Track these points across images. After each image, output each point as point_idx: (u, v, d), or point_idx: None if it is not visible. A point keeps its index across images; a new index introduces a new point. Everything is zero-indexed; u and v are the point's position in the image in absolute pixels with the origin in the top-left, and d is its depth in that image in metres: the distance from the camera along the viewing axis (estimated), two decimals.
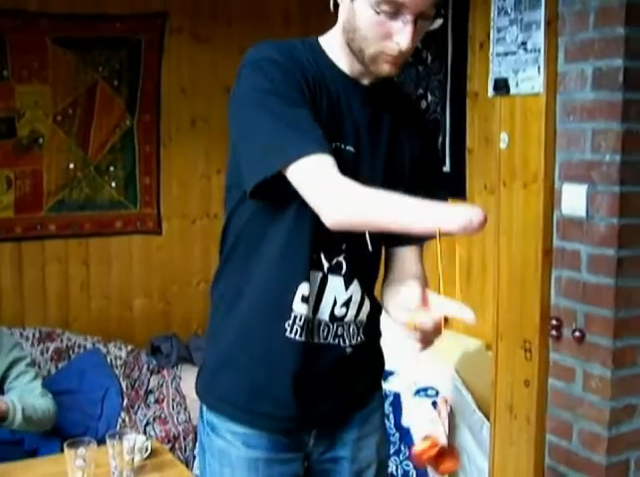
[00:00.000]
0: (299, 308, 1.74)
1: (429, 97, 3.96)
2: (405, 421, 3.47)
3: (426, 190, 1.76)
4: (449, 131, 3.87)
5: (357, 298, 1.83)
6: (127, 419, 3.95)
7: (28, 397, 3.25)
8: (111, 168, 4.64)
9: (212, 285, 1.91)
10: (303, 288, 1.73)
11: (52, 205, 4.51)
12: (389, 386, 3.64)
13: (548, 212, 2.86)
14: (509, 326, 3.05)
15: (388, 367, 3.67)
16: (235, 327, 1.82)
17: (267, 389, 1.80)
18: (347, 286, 1.80)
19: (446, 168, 3.90)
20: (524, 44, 2.83)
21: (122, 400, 4.04)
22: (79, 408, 3.86)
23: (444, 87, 3.86)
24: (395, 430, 3.49)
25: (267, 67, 1.64)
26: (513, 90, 2.91)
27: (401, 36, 1.60)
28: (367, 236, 1.78)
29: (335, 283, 1.78)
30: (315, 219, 1.60)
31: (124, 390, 4.10)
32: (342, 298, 1.80)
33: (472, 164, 3.79)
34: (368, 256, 1.82)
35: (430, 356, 3.68)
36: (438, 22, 1.66)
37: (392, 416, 3.52)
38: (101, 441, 2.76)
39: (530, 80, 2.83)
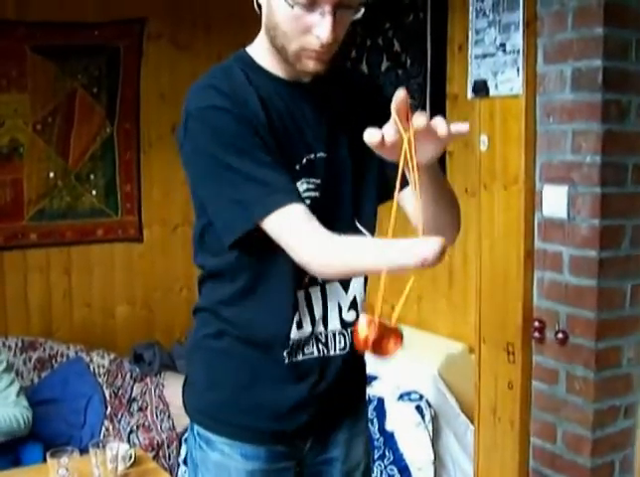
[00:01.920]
0: (297, 335, 1.73)
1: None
2: (389, 426, 3.46)
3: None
4: None
5: (361, 298, 1.82)
6: (111, 428, 3.93)
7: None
8: (92, 176, 4.62)
9: (195, 307, 1.88)
10: (296, 317, 1.72)
11: (33, 214, 4.49)
12: (372, 390, 3.63)
13: (529, 213, 2.86)
14: (492, 329, 3.05)
15: (371, 371, 3.70)
16: (226, 355, 1.79)
17: (267, 408, 1.78)
18: (346, 289, 1.79)
19: None
20: (502, 45, 2.83)
21: (106, 409, 4.02)
22: (62, 418, 3.84)
23: (424, 90, 3.86)
24: (379, 435, 3.48)
25: (214, 118, 1.59)
26: (492, 92, 2.91)
27: (320, 28, 1.54)
28: (360, 227, 1.77)
29: (333, 290, 1.77)
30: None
31: (107, 398, 4.08)
32: (346, 303, 1.79)
33: (452, 167, 3.79)
34: None
35: (414, 360, 3.70)
36: (362, 11, 1.58)
37: (375, 421, 3.51)
38: (85, 450, 2.75)
39: (509, 82, 2.83)
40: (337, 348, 1.79)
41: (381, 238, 1.45)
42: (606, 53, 2.58)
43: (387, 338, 1.44)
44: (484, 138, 2.98)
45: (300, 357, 1.75)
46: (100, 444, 2.69)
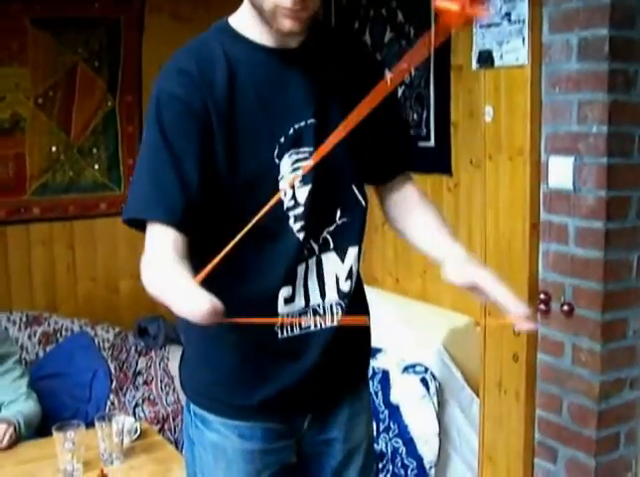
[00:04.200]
0: (285, 310, 1.71)
1: (413, 72, 3.93)
2: (394, 398, 3.46)
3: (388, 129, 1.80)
4: (433, 105, 3.84)
5: (356, 268, 1.81)
6: (116, 401, 3.94)
7: (16, 401, 3.23)
8: (94, 150, 4.61)
9: None
10: (284, 292, 1.70)
11: (35, 188, 4.48)
12: (377, 363, 3.63)
13: (534, 185, 2.84)
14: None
15: (376, 344, 3.69)
16: (219, 331, 1.78)
17: (261, 385, 1.76)
18: (343, 259, 1.77)
19: (431, 143, 3.88)
20: (508, 15, 2.79)
21: (111, 383, 4.02)
22: (67, 392, 3.85)
23: (428, 61, 3.83)
24: (383, 407, 3.48)
25: (164, 106, 1.59)
26: (497, 63, 2.88)
27: None
28: (356, 191, 1.77)
29: (331, 260, 1.75)
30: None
31: (113, 372, 4.08)
32: (343, 273, 1.77)
33: (457, 138, 3.76)
34: (353, 219, 1.78)
35: (418, 333, 3.69)
36: None
37: (380, 394, 3.52)
38: (91, 424, 2.76)
39: (514, 52, 2.80)
40: (334, 319, 1.77)
41: (181, 271, 1.45)
42: (613, 22, 2.54)
43: None
44: (489, 109, 2.95)
45: (296, 331, 1.73)
46: (106, 418, 2.70)
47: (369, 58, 1.90)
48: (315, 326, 1.75)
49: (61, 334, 4.25)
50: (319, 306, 1.75)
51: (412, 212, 1.87)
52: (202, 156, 1.58)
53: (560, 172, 2.74)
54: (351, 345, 1.85)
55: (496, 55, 2.87)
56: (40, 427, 3.20)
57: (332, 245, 1.75)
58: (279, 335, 1.72)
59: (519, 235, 2.90)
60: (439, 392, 3.42)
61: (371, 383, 3.58)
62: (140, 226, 1.61)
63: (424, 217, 1.85)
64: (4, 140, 4.35)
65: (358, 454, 1.94)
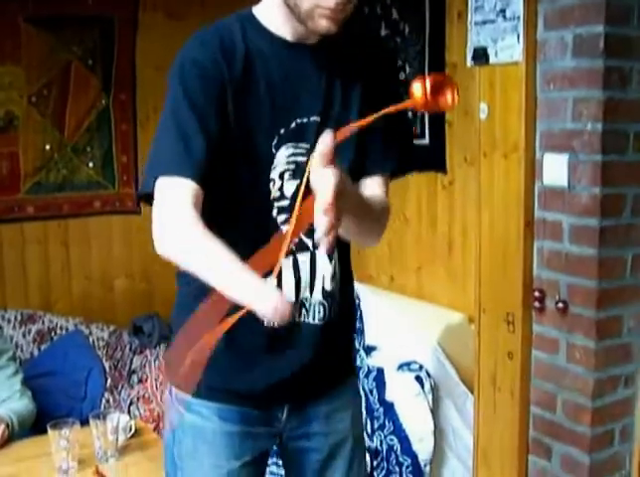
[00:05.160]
0: None
1: (407, 69, 3.92)
2: (389, 396, 3.46)
3: (390, 136, 1.78)
4: None
5: (339, 269, 1.81)
6: (111, 400, 3.94)
7: (10, 399, 3.22)
8: (88, 148, 4.61)
9: (177, 272, 1.87)
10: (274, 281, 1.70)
11: (29, 186, 4.49)
12: (372, 361, 3.64)
13: (529, 182, 2.84)
14: (491, 299, 3.04)
15: (370, 342, 3.71)
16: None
17: (242, 370, 1.77)
18: (330, 259, 1.78)
19: (426, 141, 3.87)
20: (503, 11, 2.79)
21: (106, 381, 4.02)
22: (62, 390, 3.85)
23: (422, 59, 3.82)
24: (378, 405, 3.48)
25: (187, 70, 1.63)
26: (492, 60, 2.88)
27: None
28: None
29: (322, 259, 1.76)
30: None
31: (107, 370, 4.08)
32: (328, 273, 1.78)
33: (452, 136, 3.76)
34: None
35: (413, 330, 3.70)
36: None
37: (375, 391, 3.52)
38: (86, 422, 2.75)
39: (509, 49, 2.80)
40: (317, 317, 1.78)
41: (239, 262, 1.41)
42: (608, 18, 2.54)
43: (442, 90, 1.40)
44: (484, 106, 2.95)
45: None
46: (101, 416, 2.70)
47: (386, 63, 1.89)
48: (300, 318, 1.76)
49: (55, 332, 4.25)
50: (306, 300, 1.77)
51: None
52: (220, 118, 1.61)
53: (555, 169, 2.74)
54: (334, 342, 1.85)
55: (491, 52, 2.87)
56: (35, 425, 3.20)
57: (310, 246, 1.75)
58: (265, 323, 1.70)
59: (513, 232, 2.90)
60: (434, 389, 3.42)
61: (365, 380, 3.58)
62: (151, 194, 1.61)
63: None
64: None
65: (343, 449, 1.93)
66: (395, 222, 4.03)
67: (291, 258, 1.73)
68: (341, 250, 1.82)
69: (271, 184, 1.68)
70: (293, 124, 1.67)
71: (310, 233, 1.72)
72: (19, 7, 4.27)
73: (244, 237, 1.66)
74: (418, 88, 1.39)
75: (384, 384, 3.51)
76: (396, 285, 4.24)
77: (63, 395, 3.83)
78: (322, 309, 1.79)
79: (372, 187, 1.82)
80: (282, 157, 1.68)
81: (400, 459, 3.34)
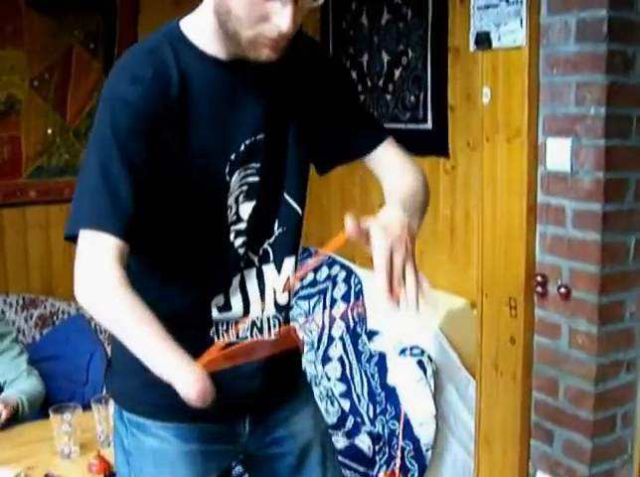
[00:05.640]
0: (220, 316, 1.70)
1: (410, 54, 3.91)
2: (391, 381, 3.46)
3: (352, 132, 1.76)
4: (430, 87, 3.83)
5: (293, 277, 1.78)
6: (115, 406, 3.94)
7: (18, 379, 3.23)
8: (90, 133, 4.58)
9: None
10: (216, 301, 1.69)
11: (31, 171, 4.48)
12: (374, 345, 3.64)
13: (531, 167, 2.83)
14: (494, 283, 3.04)
15: (373, 327, 3.70)
16: None
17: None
18: (279, 270, 1.75)
19: (428, 125, 3.86)
20: None
21: (107, 365, 4.02)
22: (64, 375, 3.85)
23: (425, 44, 3.81)
24: (380, 390, 3.49)
25: (117, 109, 1.50)
26: (495, 44, 2.86)
27: (281, 18, 1.43)
28: (291, 201, 1.73)
29: (269, 272, 1.73)
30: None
31: (109, 354, 4.08)
32: (279, 285, 1.75)
33: (454, 121, 3.75)
34: (288, 229, 1.75)
35: (415, 315, 3.68)
36: None
37: (377, 376, 3.52)
38: (87, 406, 2.76)
39: (512, 34, 2.78)
40: (272, 332, 1.76)
41: (162, 333, 1.39)
42: (611, 2, 2.52)
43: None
44: (487, 91, 2.94)
45: (233, 339, 1.69)
46: (103, 400, 2.70)
47: (328, 68, 1.83)
48: (253, 337, 1.73)
49: (57, 317, 4.26)
50: (257, 319, 1.73)
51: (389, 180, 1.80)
52: (155, 163, 1.52)
53: (558, 154, 2.73)
54: (285, 350, 1.83)
55: (494, 36, 2.85)
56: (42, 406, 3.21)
57: (272, 257, 1.72)
58: (215, 341, 1.69)
59: (516, 217, 2.90)
60: (436, 374, 3.42)
61: (367, 365, 3.59)
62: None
63: (396, 183, 1.75)
64: None
65: (314, 447, 1.92)
66: None
67: (239, 276, 1.70)
68: (296, 259, 1.80)
69: (229, 210, 1.64)
70: (242, 147, 1.61)
71: (256, 249, 1.71)
72: None
73: (203, 264, 1.67)
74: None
75: (386, 368, 3.51)
76: None
77: (65, 379, 3.84)
78: (277, 323, 1.77)
79: (389, 157, 1.80)
80: (236, 182, 1.63)
81: (402, 444, 3.34)
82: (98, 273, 1.45)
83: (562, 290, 2.77)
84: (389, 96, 4.09)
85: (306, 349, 3.97)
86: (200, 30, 1.59)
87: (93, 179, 1.50)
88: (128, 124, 1.50)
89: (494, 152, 2.95)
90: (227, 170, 1.61)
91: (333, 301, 4.00)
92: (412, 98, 3.94)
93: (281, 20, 1.44)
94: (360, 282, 3.91)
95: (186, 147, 1.56)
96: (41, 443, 2.73)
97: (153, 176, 1.52)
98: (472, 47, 2.99)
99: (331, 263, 4.15)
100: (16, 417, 3.04)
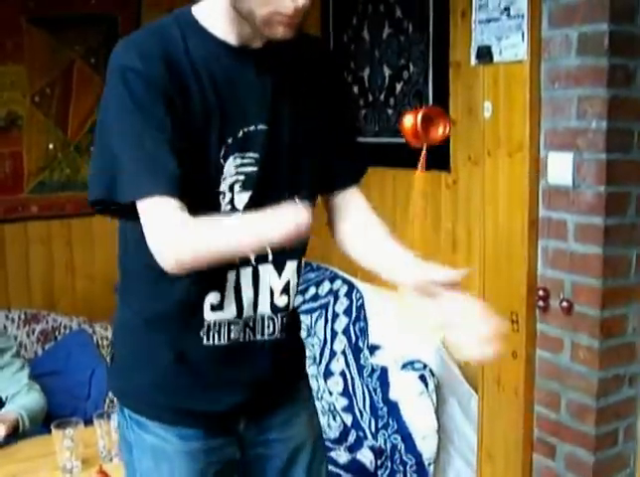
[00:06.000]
0: (213, 317, 1.69)
1: (411, 68, 3.92)
2: (393, 395, 3.46)
3: (340, 150, 1.77)
4: (432, 102, 3.83)
5: (295, 283, 1.78)
6: (115, 399, 3.93)
7: (19, 394, 3.23)
8: (92, 148, 4.58)
9: (117, 285, 1.87)
10: (211, 298, 1.68)
11: (33, 186, 4.48)
12: (375, 360, 3.63)
13: (533, 181, 2.83)
14: (495, 297, 3.03)
15: (374, 341, 3.70)
16: (147, 334, 1.75)
17: (192, 390, 1.74)
18: (280, 273, 1.74)
19: None
20: (507, 9, 2.78)
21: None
22: (66, 390, 3.84)
23: (426, 58, 3.82)
24: (382, 404, 3.48)
25: (131, 79, 1.52)
26: (496, 58, 2.87)
27: None
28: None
29: (266, 273, 1.72)
30: None
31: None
32: (278, 287, 1.74)
33: (456, 135, 3.75)
34: None
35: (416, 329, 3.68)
36: None
37: (379, 390, 3.51)
38: (89, 422, 2.76)
39: (513, 48, 2.79)
40: (265, 333, 1.75)
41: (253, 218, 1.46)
42: (613, 16, 2.53)
43: (434, 123, 1.42)
44: (488, 105, 2.94)
45: (224, 341, 1.70)
46: (105, 415, 2.70)
47: (330, 63, 1.84)
48: (245, 339, 1.73)
49: (59, 332, 4.25)
50: (249, 319, 1.72)
51: (364, 237, 1.81)
52: (174, 130, 1.54)
53: (560, 168, 2.73)
54: (284, 354, 1.83)
55: (495, 50, 2.86)
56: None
57: (270, 258, 1.69)
58: (204, 342, 1.70)
59: (518, 231, 2.90)
60: (438, 388, 3.42)
61: (369, 379, 3.58)
62: (106, 208, 1.58)
63: (380, 244, 1.78)
64: (0, 138, 4.33)
65: (303, 453, 1.92)
66: (398, 221, 4.02)
67: (234, 273, 1.68)
68: (299, 263, 1.79)
69: (221, 197, 1.63)
70: (240, 133, 1.61)
71: None
72: (21, 7, 4.26)
73: None
74: (409, 121, 1.42)
75: (387, 383, 3.50)
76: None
77: (67, 394, 3.83)
78: (272, 324, 1.76)
79: (354, 200, 1.82)
80: (231, 168, 1.62)
81: (404, 458, 3.33)
82: (182, 226, 1.49)
83: (564, 304, 2.77)
84: (390, 111, 4.10)
85: (308, 363, 3.97)
86: (212, 14, 1.60)
87: (130, 150, 1.52)
88: (145, 91, 1.52)
89: (495, 166, 2.95)
90: (222, 153, 1.61)
91: (335, 315, 4.00)
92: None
93: None
94: (362, 297, 3.91)
95: (188, 126, 1.56)
96: (42, 459, 2.72)
97: (178, 139, 1.54)
98: (473, 61, 2.99)
99: (333, 278, 4.15)
100: (16, 433, 3.03)
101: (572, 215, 2.72)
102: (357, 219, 1.80)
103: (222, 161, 1.61)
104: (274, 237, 1.40)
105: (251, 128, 1.62)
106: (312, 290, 4.19)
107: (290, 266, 1.75)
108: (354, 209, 1.82)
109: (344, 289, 4.05)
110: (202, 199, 1.59)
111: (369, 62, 4.23)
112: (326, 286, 4.16)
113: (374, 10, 4.16)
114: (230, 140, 1.61)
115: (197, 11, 1.63)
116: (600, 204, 2.64)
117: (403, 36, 3.96)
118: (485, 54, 2.90)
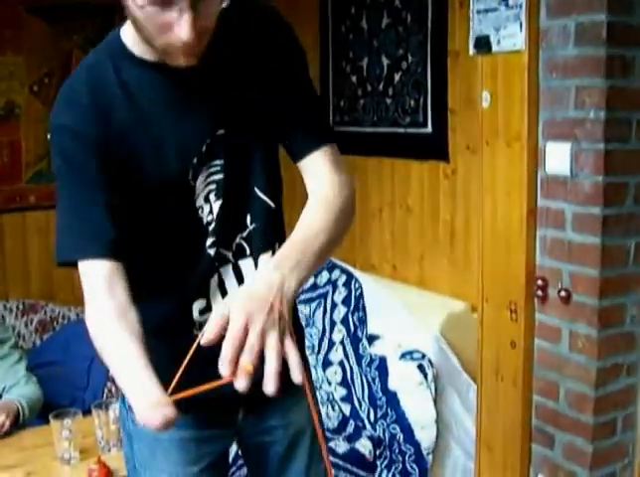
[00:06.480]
0: (202, 318, 1.68)
1: (410, 58, 3.91)
2: (392, 385, 3.46)
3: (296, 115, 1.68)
4: (430, 92, 3.83)
5: None
6: (113, 389, 3.93)
7: (17, 385, 3.23)
8: None
9: None
10: (197, 305, 1.68)
11: (31, 176, 4.47)
12: (374, 350, 3.63)
13: (531, 171, 2.83)
14: (494, 287, 3.04)
15: (373, 331, 3.70)
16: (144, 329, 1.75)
17: (192, 382, 1.73)
18: (256, 265, 1.71)
19: (428, 129, 3.87)
20: (505, 0, 2.78)
21: (108, 371, 4.01)
22: (64, 380, 3.85)
23: (425, 48, 3.81)
24: (381, 394, 3.48)
25: (63, 138, 1.53)
26: (495, 48, 2.87)
27: (179, 27, 1.36)
28: (261, 195, 1.68)
29: (247, 267, 1.70)
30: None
31: None
32: None
33: (454, 125, 3.75)
34: (262, 224, 1.70)
35: (416, 319, 3.69)
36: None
37: (378, 380, 3.52)
38: (88, 412, 2.76)
39: (511, 38, 2.78)
40: None
41: (140, 357, 1.42)
42: (610, 7, 2.53)
43: None
44: (486, 95, 2.94)
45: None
46: (103, 406, 2.70)
47: (279, 37, 1.69)
48: None
49: (57, 322, 4.26)
50: None
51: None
52: (113, 179, 1.52)
53: (558, 158, 2.73)
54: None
55: (493, 40, 2.85)
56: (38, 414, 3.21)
57: (248, 252, 1.68)
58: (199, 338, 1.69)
59: (516, 220, 2.90)
60: (437, 378, 3.42)
61: (368, 369, 3.58)
62: (73, 264, 1.59)
63: (308, 213, 1.64)
64: None
65: (304, 438, 1.91)
66: (397, 211, 4.02)
67: (216, 277, 1.67)
68: (277, 245, 1.73)
69: (200, 211, 1.62)
70: (203, 148, 1.58)
71: (228, 244, 1.67)
72: None
73: (180, 269, 1.66)
74: None
75: (386, 373, 3.51)
76: (398, 274, 4.23)
77: (65, 384, 3.83)
78: None
79: (313, 167, 1.69)
80: (201, 183, 1.60)
81: (403, 448, 3.34)
82: (92, 310, 1.55)
83: (563, 294, 2.77)
84: (389, 100, 4.09)
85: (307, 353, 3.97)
86: (133, 37, 1.54)
87: (64, 210, 1.59)
88: (76, 148, 1.52)
89: (494, 156, 2.95)
90: (190, 175, 1.58)
91: (333, 305, 4.00)
92: (412, 103, 3.94)
93: (180, 29, 1.37)
94: (360, 286, 3.91)
95: (141, 158, 1.54)
96: (41, 449, 2.72)
97: (116, 191, 1.53)
98: (472, 51, 2.99)
99: (331, 267, 4.15)
100: (17, 422, 3.04)
101: (570, 204, 2.72)
102: (310, 186, 1.71)
103: (191, 183, 1.59)
104: (127, 396, 1.38)
105: (212, 137, 1.59)
106: (311, 280, 4.19)
107: (265, 258, 1.71)
108: (311, 177, 1.71)
109: (342, 279, 4.05)
110: (181, 219, 1.60)
111: (367, 51, 4.22)
112: (324, 276, 4.16)
113: (372, 0, 4.16)
114: (195, 160, 1.58)
115: (124, 34, 1.58)
116: (598, 193, 2.64)
117: (402, 26, 3.95)
118: (483, 44, 2.89)
